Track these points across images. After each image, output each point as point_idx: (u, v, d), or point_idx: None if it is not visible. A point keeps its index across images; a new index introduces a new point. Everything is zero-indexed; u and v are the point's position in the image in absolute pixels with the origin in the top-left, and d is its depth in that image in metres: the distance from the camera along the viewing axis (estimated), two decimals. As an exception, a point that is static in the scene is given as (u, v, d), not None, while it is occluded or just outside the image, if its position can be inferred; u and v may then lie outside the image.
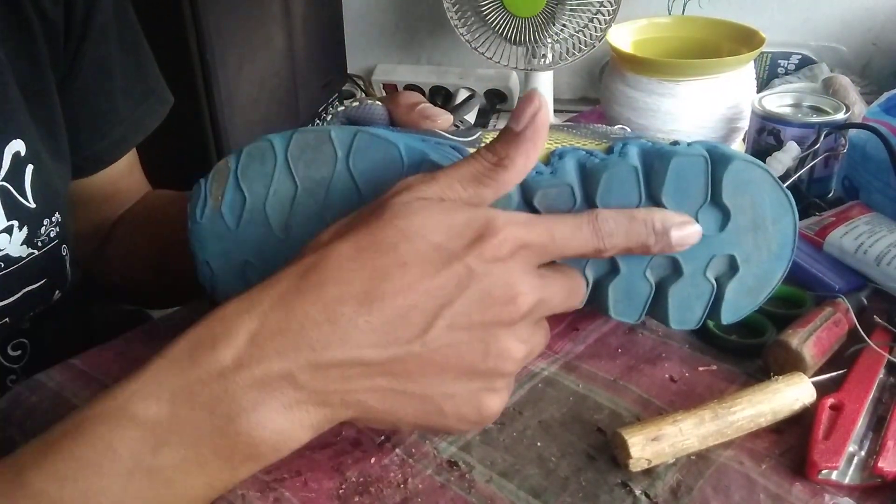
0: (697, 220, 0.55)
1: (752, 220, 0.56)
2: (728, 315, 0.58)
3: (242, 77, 1.60)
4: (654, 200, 0.55)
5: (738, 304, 0.58)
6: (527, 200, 0.55)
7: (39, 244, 0.65)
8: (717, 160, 0.54)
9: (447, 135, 0.58)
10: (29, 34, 0.65)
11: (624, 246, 0.49)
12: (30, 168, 0.64)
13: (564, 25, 1.30)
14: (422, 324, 0.42)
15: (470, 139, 0.59)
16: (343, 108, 0.62)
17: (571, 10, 1.27)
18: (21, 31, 0.64)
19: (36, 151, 0.65)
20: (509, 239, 0.44)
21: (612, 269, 0.57)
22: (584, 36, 1.32)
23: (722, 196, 0.54)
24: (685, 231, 0.51)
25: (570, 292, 0.50)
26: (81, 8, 0.69)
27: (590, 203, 0.55)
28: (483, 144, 0.58)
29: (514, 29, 1.35)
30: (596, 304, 0.58)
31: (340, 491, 0.49)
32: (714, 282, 0.57)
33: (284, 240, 0.57)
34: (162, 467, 0.40)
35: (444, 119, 0.61)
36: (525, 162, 0.47)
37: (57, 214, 0.67)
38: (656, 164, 0.54)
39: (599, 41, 1.30)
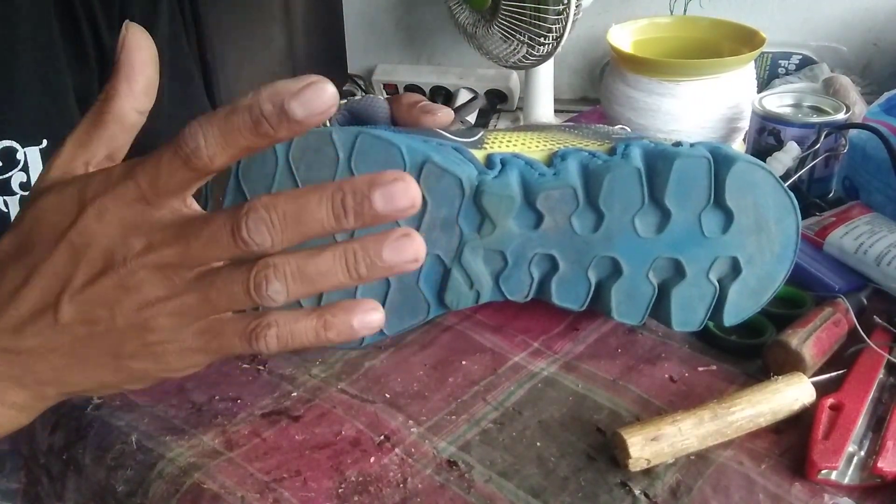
0: (701, 223, 0.56)
1: (754, 221, 0.56)
2: (730, 317, 0.58)
3: (242, 77, 1.60)
4: (657, 202, 0.55)
5: (740, 306, 0.58)
6: (529, 202, 0.56)
7: None
8: (720, 161, 0.55)
9: (449, 135, 0.58)
10: (83, 48, 0.68)
11: (223, 142, 0.40)
12: None
13: (505, 22, 1.30)
14: (52, 300, 0.44)
15: (472, 139, 0.59)
16: (345, 101, 0.62)
17: (509, 6, 1.27)
18: (77, 44, 0.67)
19: None
20: (99, 209, 0.43)
21: (615, 270, 0.57)
22: (538, 34, 1.31)
23: (725, 198, 0.55)
24: (308, 93, 0.38)
25: (208, 246, 0.43)
26: None
27: (592, 204, 0.55)
28: (486, 144, 0.58)
29: (474, 24, 1.35)
30: (599, 305, 0.59)
31: (340, 490, 0.49)
32: (717, 283, 0.58)
33: None
34: None
35: (443, 114, 0.61)
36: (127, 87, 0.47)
37: None
38: (659, 165, 0.54)
39: (553, 44, 1.28)
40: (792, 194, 0.57)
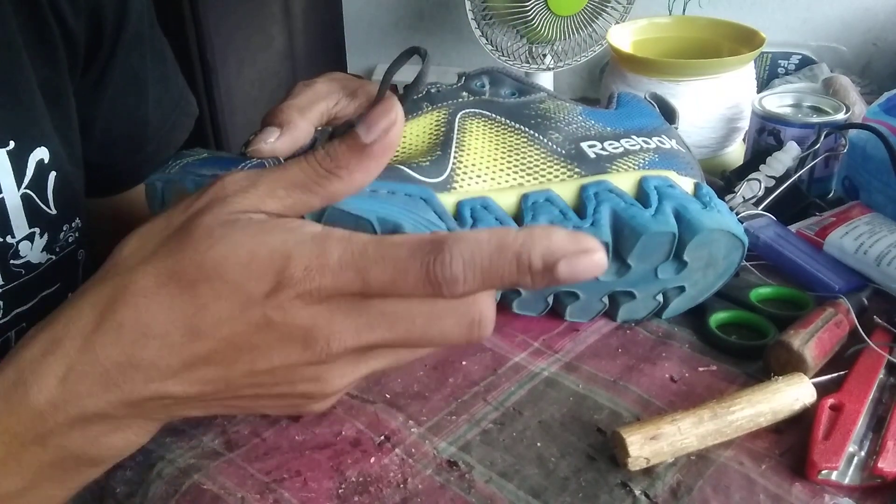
0: (657, 271, 0.59)
1: (706, 262, 0.60)
2: (667, 315, 0.64)
3: (242, 77, 1.60)
4: (620, 259, 0.58)
5: (678, 308, 0.64)
6: None
7: (58, 249, 0.65)
8: (684, 231, 0.57)
9: (416, 174, 0.56)
10: (49, 39, 0.64)
11: (481, 287, 0.38)
12: (52, 175, 0.64)
13: (598, 24, 1.31)
14: (223, 367, 0.41)
15: (440, 178, 0.57)
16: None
17: (612, 7, 1.28)
18: (41, 36, 0.64)
19: (58, 157, 0.65)
20: (312, 288, 0.39)
21: (573, 296, 0.61)
22: (596, 34, 1.33)
23: (683, 255, 0.58)
24: (581, 263, 0.37)
25: (426, 323, 0.41)
26: (112, 19, 0.68)
27: None
28: (456, 183, 0.57)
29: (552, 29, 1.36)
30: (553, 310, 0.63)
31: (340, 491, 0.48)
32: (662, 299, 0.62)
33: None
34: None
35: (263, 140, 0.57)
36: (364, 178, 0.43)
37: (77, 220, 0.67)
38: (626, 234, 0.56)
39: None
40: (745, 236, 0.60)
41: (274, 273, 0.39)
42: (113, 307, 0.41)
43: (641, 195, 0.58)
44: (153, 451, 0.51)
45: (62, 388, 0.41)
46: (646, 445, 0.48)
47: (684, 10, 1.58)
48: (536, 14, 1.35)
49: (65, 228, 0.66)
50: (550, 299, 0.62)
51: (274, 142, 0.58)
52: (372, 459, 0.51)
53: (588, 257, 0.36)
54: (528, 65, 1.50)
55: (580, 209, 0.57)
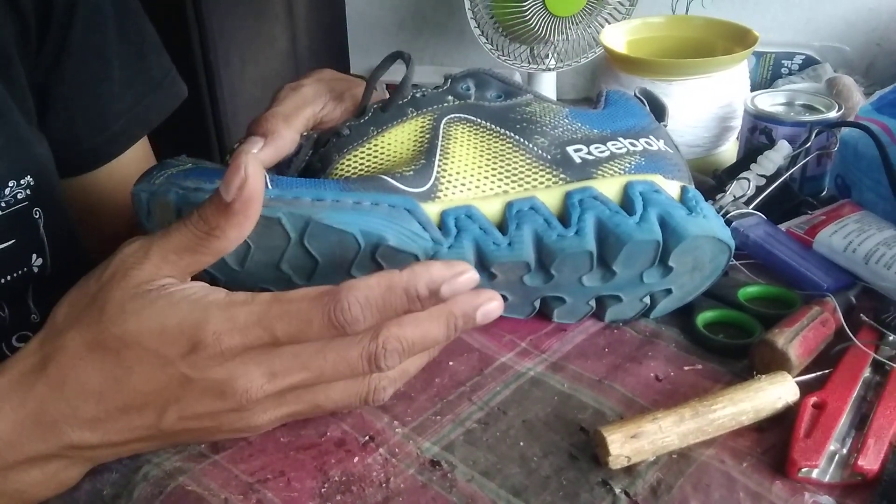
0: (642, 276, 0.59)
1: (692, 266, 0.60)
2: (655, 314, 0.64)
3: (245, 77, 1.61)
4: (605, 266, 0.58)
5: (665, 308, 0.64)
6: (484, 267, 0.57)
7: (3, 205, 0.65)
8: (668, 239, 0.57)
9: (399, 184, 0.56)
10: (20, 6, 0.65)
11: (379, 321, 0.45)
12: None
13: (599, 24, 1.32)
14: (154, 416, 0.46)
15: (424, 188, 0.57)
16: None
17: (614, 8, 1.28)
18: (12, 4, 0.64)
19: (3, 115, 0.64)
20: (223, 349, 0.44)
21: (559, 300, 0.61)
22: (598, 35, 1.33)
23: (668, 261, 0.58)
24: (458, 282, 0.46)
25: (336, 367, 0.46)
26: None
27: (544, 270, 0.58)
28: (440, 192, 0.57)
29: (550, 29, 1.36)
30: (540, 312, 0.63)
31: (323, 490, 0.49)
32: (649, 301, 0.62)
33: (241, 271, 0.56)
34: None
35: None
36: (238, 232, 0.47)
37: (28, 178, 0.66)
38: (611, 242, 0.56)
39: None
40: (731, 240, 0.60)
41: (186, 339, 0.44)
42: (54, 364, 0.46)
43: (626, 201, 0.58)
44: (140, 454, 0.51)
45: (16, 430, 0.46)
46: (627, 444, 0.49)
47: (687, 9, 1.58)
48: (534, 14, 1.35)
49: (11, 185, 0.65)
50: (537, 304, 0.62)
51: (258, 153, 0.59)
52: (355, 459, 0.51)
53: (461, 277, 0.45)
54: (529, 65, 1.51)
55: (564, 217, 0.57)
